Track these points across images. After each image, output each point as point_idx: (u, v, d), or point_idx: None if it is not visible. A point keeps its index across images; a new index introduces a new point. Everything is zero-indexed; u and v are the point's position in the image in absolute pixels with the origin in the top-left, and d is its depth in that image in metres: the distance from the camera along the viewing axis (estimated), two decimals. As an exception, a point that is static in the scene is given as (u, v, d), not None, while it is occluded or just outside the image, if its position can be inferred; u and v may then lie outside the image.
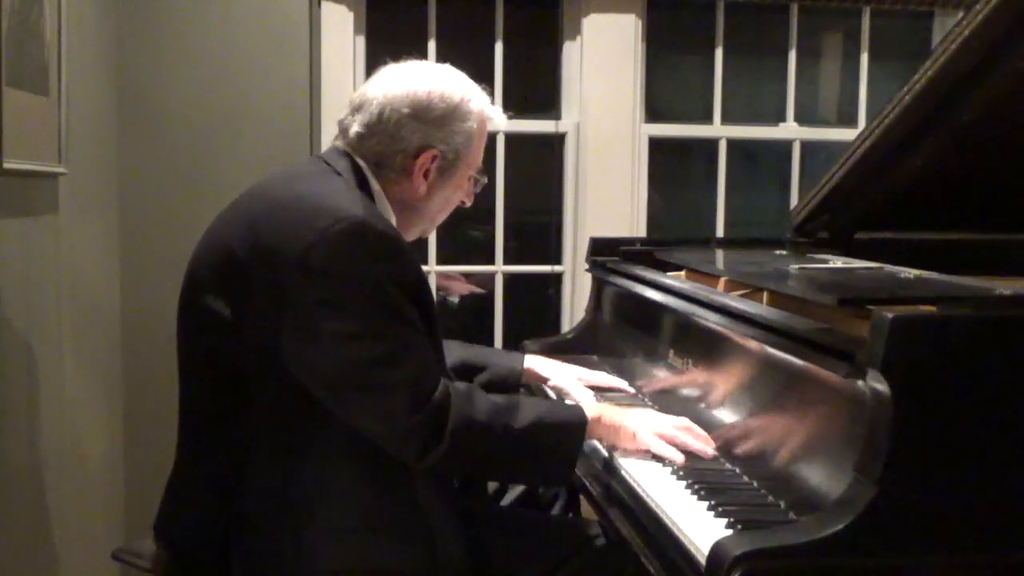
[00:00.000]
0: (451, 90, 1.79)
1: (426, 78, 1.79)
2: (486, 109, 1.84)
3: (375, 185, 1.78)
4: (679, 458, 1.73)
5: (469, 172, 1.86)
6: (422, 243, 3.34)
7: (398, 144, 1.76)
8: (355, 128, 1.78)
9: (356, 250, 1.59)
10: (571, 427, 1.73)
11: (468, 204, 1.93)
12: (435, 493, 1.71)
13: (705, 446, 1.76)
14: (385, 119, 1.76)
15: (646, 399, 2.17)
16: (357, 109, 1.79)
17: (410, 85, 1.77)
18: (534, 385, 2.28)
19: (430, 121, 1.76)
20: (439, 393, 1.61)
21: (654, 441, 1.76)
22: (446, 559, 1.68)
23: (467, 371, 2.14)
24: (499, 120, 1.89)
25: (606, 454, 1.82)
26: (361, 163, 1.77)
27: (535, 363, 2.25)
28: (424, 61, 1.86)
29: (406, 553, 1.67)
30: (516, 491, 2.11)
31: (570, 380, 2.21)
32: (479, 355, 2.22)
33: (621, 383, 2.25)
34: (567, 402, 2.02)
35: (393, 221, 1.79)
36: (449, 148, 1.78)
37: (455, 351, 2.14)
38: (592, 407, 1.81)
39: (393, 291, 1.61)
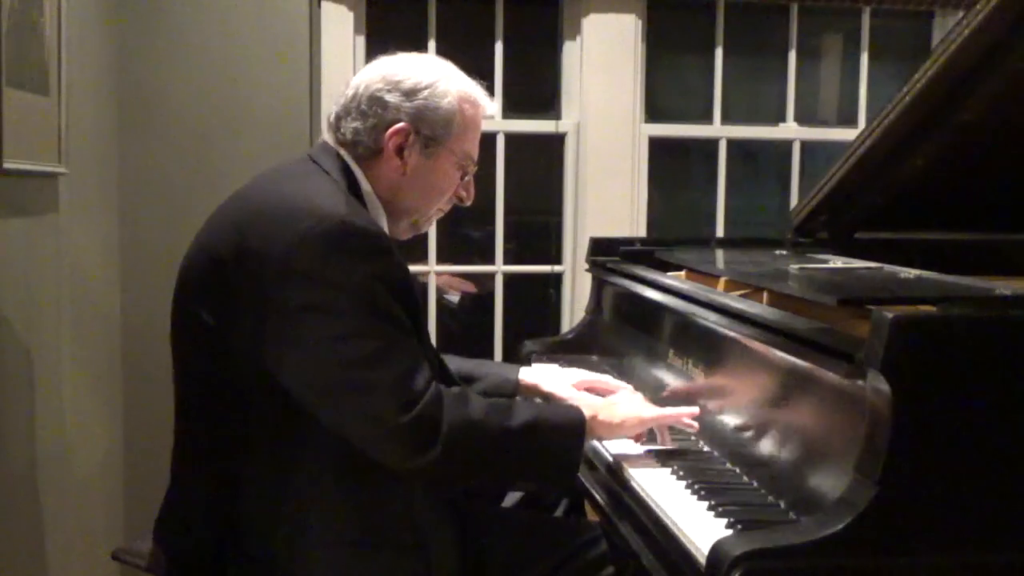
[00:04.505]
0: (426, 68, 1.78)
1: (403, 60, 1.80)
2: (470, 92, 1.80)
3: (364, 183, 1.76)
4: (695, 410, 1.82)
5: (455, 158, 1.80)
6: (422, 243, 3.37)
7: (370, 120, 1.75)
8: (334, 111, 1.79)
9: (339, 251, 1.56)
10: (570, 427, 1.70)
11: (467, 202, 1.89)
12: (431, 503, 1.70)
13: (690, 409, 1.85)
14: (359, 96, 1.76)
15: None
16: (340, 97, 1.80)
17: (386, 67, 1.78)
18: (531, 397, 2.17)
19: (402, 96, 1.74)
20: (430, 394, 1.56)
21: (661, 413, 1.81)
22: (441, 570, 1.67)
23: (461, 382, 2.04)
24: (486, 105, 1.84)
25: (607, 455, 1.82)
26: (346, 156, 1.76)
27: (529, 373, 2.14)
28: (412, 52, 1.84)
29: (399, 565, 1.65)
30: (517, 493, 2.09)
31: (564, 386, 2.10)
32: (472, 366, 2.13)
33: (623, 385, 2.15)
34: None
35: (383, 220, 1.78)
36: (425, 125, 1.75)
37: (448, 363, 2.05)
38: (587, 406, 1.78)
39: (379, 289, 1.58)
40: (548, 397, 2.10)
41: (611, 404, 1.82)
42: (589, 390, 2.10)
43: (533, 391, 2.11)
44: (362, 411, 1.56)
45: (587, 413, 1.73)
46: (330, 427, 1.58)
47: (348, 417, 1.57)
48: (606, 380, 2.14)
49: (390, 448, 1.57)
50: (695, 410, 1.84)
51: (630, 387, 2.04)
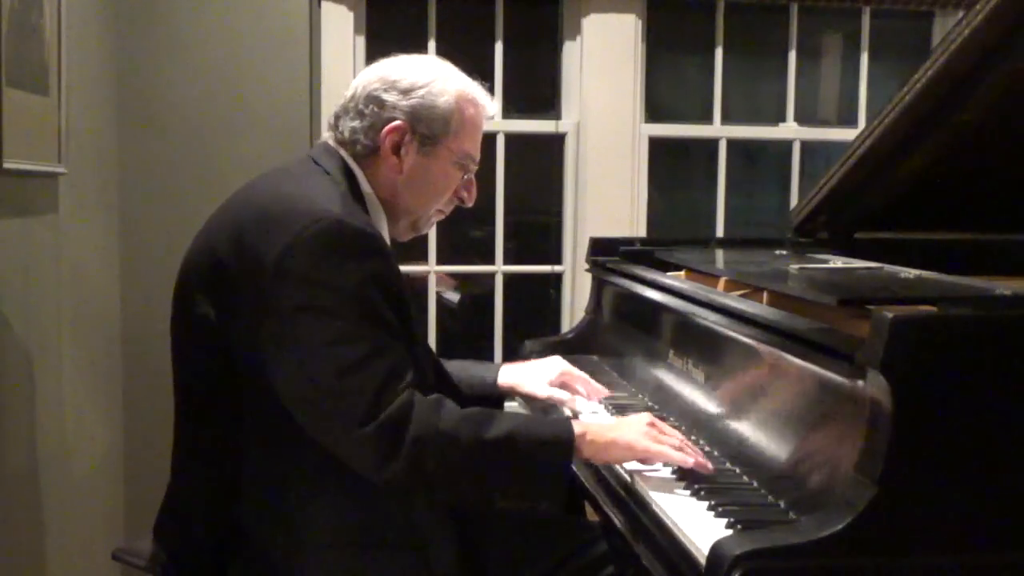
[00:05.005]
0: (423, 68, 1.79)
1: (401, 61, 1.80)
2: (469, 91, 1.80)
3: (363, 183, 1.76)
4: (688, 460, 1.63)
5: (454, 157, 1.79)
6: (422, 243, 3.36)
7: (367, 118, 1.75)
8: (334, 111, 1.80)
9: (333, 251, 1.56)
10: (554, 443, 1.61)
11: (469, 203, 1.89)
12: (431, 503, 1.69)
13: (705, 460, 1.65)
14: (357, 96, 1.77)
15: (646, 399, 2.16)
16: (340, 98, 1.81)
17: (385, 68, 1.79)
18: (517, 398, 2.16)
19: (399, 94, 1.75)
20: (399, 402, 1.53)
21: (654, 447, 1.65)
22: (440, 570, 1.67)
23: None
24: (487, 105, 1.83)
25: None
26: (345, 156, 1.76)
27: (508, 374, 2.09)
28: (413, 54, 1.85)
29: (399, 565, 1.65)
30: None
31: (541, 386, 2.07)
32: (454, 368, 2.06)
33: (598, 387, 2.12)
34: (554, 416, 1.95)
35: (383, 220, 1.79)
36: (421, 124, 1.75)
37: None
38: (578, 423, 1.67)
39: (371, 291, 1.58)
40: (527, 398, 2.10)
41: (608, 426, 1.72)
42: (563, 385, 2.08)
43: (513, 392, 2.10)
44: (333, 417, 1.55)
45: (577, 430, 1.64)
46: (308, 430, 1.58)
47: (320, 422, 1.57)
48: (582, 376, 2.12)
49: (357, 456, 1.55)
50: (690, 461, 1.63)
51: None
